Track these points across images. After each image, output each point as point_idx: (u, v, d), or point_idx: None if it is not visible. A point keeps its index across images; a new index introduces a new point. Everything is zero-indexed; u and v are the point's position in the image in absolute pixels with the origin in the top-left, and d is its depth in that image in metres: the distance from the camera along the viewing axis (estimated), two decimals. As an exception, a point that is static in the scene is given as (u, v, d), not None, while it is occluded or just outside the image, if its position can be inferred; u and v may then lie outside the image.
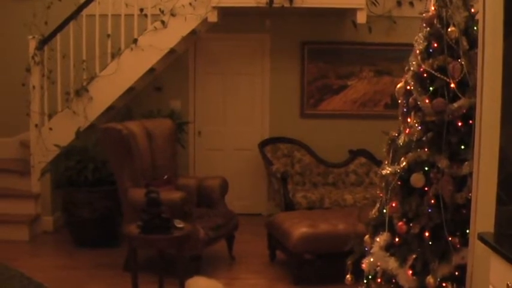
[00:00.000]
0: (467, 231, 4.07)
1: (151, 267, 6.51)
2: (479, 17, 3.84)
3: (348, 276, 5.06)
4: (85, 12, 8.30)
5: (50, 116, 8.51)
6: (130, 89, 8.64)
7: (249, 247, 7.92)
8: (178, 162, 8.35)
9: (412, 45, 4.65)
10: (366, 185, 9.25)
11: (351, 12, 8.68)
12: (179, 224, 5.76)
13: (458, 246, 4.20)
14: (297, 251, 6.66)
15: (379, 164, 6.71)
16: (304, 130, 9.69)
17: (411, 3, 9.29)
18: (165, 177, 7.25)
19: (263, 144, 9.42)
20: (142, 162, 7.22)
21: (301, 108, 9.81)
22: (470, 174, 4.02)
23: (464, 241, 4.13)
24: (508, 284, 3.16)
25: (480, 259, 3.73)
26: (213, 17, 8.29)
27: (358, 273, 4.98)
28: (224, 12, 8.52)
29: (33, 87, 8.37)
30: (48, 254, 7.77)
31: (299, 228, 6.70)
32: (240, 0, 8.36)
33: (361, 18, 8.45)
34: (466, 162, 4.16)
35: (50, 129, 8.40)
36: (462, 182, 4.21)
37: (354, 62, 9.71)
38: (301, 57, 9.74)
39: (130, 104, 9.15)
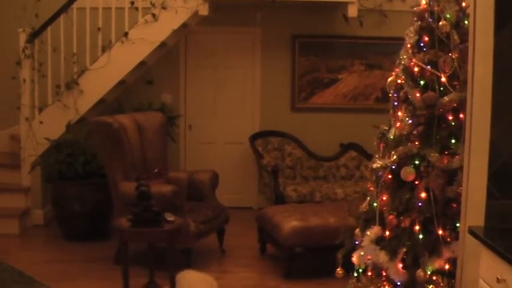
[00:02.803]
0: (458, 225, 4.10)
1: (142, 261, 6.51)
2: (470, 10, 3.86)
3: (338, 269, 5.07)
4: (75, 5, 8.33)
5: (41, 109, 8.53)
6: (121, 82, 8.67)
7: (240, 240, 7.96)
8: (169, 156, 8.37)
9: (403, 39, 4.70)
10: (357, 179, 9.32)
11: (342, 6, 8.78)
12: (170, 217, 5.78)
13: (448, 240, 4.24)
14: (287, 244, 6.69)
15: (369, 157, 6.75)
16: (295, 124, 9.75)
17: (402, -3, 9.39)
18: (156, 170, 7.26)
19: (254, 138, 9.48)
20: (133, 156, 7.23)
21: (292, 102, 9.87)
22: (461, 168, 4.05)
23: (455, 235, 4.17)
24: (498, 277, 3.19)
25: (470, 253, 3.76)
26: (204, 10, 8.33)
27: (349, 267, 5.00)
28: (215, 6, 8.58)
29: (24, 80, 8.39)
30: (38, 248, 7.79)
31: (290, 222, 6.73)
32: (231, -7, 8.44)
33: (352, 12, 8.57)
34: (457, 156, 4.18)
35: (41, 122, 8.43)
36: (453, 176, 4.23)
37: (345, 55, 9.78)
38: (292, 50, 9.79)
39: (121, 97, 9.17)
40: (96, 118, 7.51)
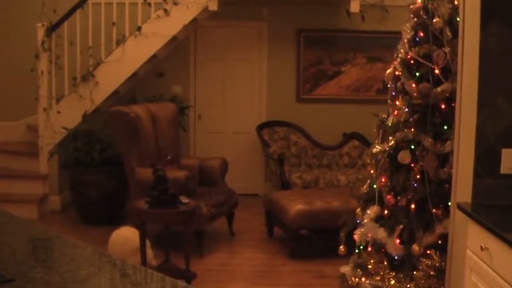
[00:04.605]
0: (449, 203, 4.31)
1: (157, 244, 6.65)
2: (459, 9, 4.11)
3: (341, 247, 5.30)
4: (91, 0, 8.56)
5: (58, 100, 8.80)
6: (134, 75, 8.91)
7: (248, 224, 8.24)
8: (180, 144, 8.61)
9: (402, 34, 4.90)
10: (359, 167, 9.49)
11: (345, 1, 8.92)
12: (185, 199, 6.03)
13: (441, 217, 4.46)
14: (293, 226, 7.00)
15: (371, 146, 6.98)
16: (300, 114, 9.96)
17: (403, -7, 9.55)
18: (169, 157, 7.49)
19: (260, 128, 9.70)
20: (148, 144, 7.54)
21: (297, 93, 10.09)
22: (452, 151, 4.25)
23: (447, 212, 4.37)
24: (481, 246, 3.52)
25: (459, 227, 4.03)
26: (213, 6, 8.53)
27: (351, 245, 5.23)
28: (224, 1, 8.75)
29: (42, 72, 8.65)
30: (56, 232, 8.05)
31: (296, 205, 7.04)
32: (239, -11, 8.61)
33: (354, 7, 8.71)
34: (449, 141, 4.40)
35: (58, 112, 8.69)
36: (445, 159, 4.46)
37: (348, 49, 9.97)
38: (297, 44, 10.00)
39: (134, 89, 9.41)
40: (114, 108, 7.79)
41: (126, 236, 6.31)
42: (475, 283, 3.64)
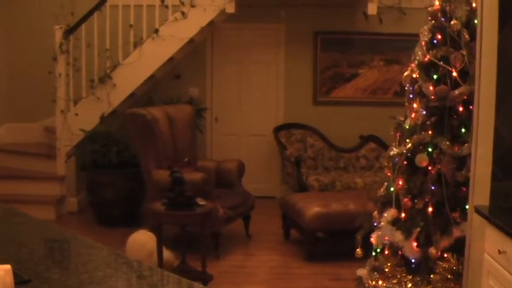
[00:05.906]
0: (467, 206, 4.29)
1: (174, 246, 6.60)
2: (477, 11, 4.09)
3: (358, 249, 5.27)
4: (109, 3, 8.60)
5: (75, 102, 8.83)
6: (151, 77, 8.92)
7: (264, 227, 8.24)
8: (197, 147, 8.62)
9: (419, 36, 4.89)
10: (376, 169, 9.43)
11: (362, 3, 8.93)
12: (201, 201, 6.04)
13: (458, 220, 4.44)
14: (310, 228, 7.00)
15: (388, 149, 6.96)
16: (316, 116, 9.94)
17: (420, -5, 9.54)
18: (186, 159, 7.51)
19: (277, 130, 9.70)
20: (165, 146, 7.54)
21: (314, 96, 10.09)
22: (470, 154, 4.23)
23: (464, 216, 4.36)
24: (499, 250, 3.51)
25: (477, 230, 4.01)
26: (230, 8, 8.54)
27: (367, 248, 5.20)
28: (241, 3, 8.75)
29: (59, 74, 8.69)
30: (74, 232, 8.07)
31: (312, 208, 7.04)
32: (256, -9, 8.59)
33: (372, 9, 8.69)
34: (466, 144, 4.37)
35: (76, 114, 8.73)
36: (462, 162, 4.43)
37: (365, 51, 9.95)
38: (314, 46, 9.99)
39: (151, 91, 9.43)
40: (131, 110, 7.81)
41: (141, 240, 6.32)
42: (493, 287, 3.63)
